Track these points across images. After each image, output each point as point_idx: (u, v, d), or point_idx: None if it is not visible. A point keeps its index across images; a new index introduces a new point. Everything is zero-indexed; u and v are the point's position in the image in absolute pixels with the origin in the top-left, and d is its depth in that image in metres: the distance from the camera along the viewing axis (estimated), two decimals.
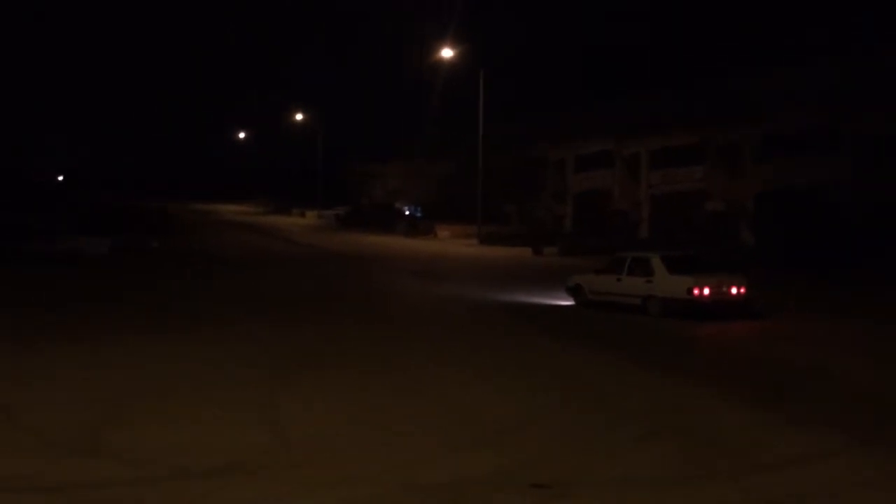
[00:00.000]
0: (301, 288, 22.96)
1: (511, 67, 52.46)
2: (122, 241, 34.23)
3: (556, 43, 59.49)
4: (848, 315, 17.95)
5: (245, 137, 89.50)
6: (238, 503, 6.28)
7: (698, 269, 17.22)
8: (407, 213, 59.92)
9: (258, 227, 55.00)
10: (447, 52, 45.35)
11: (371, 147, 69.97)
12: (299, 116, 73.12)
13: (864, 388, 10.85)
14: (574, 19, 67.58)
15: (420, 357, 12.73)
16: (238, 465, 7.21)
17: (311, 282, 24.66)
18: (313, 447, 7.86)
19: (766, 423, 8.97)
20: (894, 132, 30.10)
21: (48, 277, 24.43)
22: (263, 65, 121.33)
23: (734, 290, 16.61)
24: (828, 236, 28.39)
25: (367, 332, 15.20)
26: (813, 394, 10.45)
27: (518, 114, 51.80)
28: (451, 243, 44.27)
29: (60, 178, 63.77)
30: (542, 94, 54.17)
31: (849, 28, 36.00)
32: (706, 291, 16.18)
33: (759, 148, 36.85)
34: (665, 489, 6.80)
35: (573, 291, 19.21)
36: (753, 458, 7.60)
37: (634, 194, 44.05)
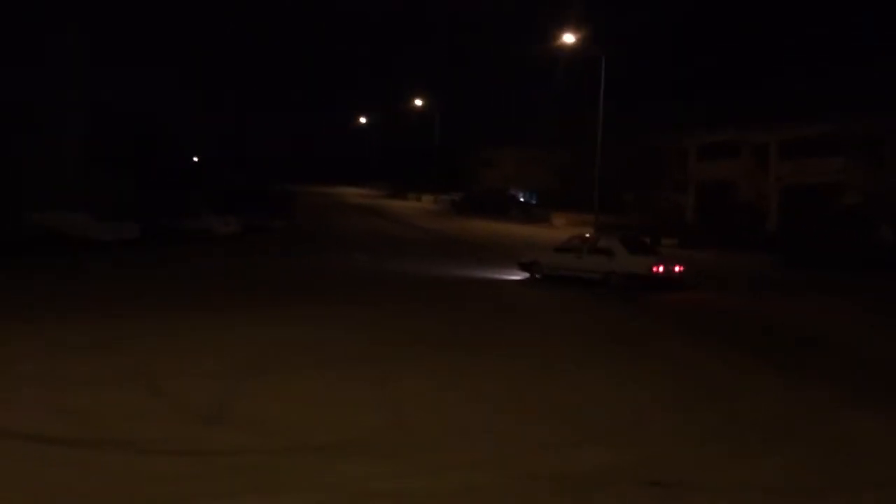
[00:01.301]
0: (417, 270, 23.33)
1: (632, 52, 51.16)
2: (249, 221, 35.91)
3: (680, 27, 57.39)
4: None
5: (366, 122, 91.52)
6: (360, 479, 6.50)
7: (647, 251, 21.53)
8: (522, 199, 59.69)
9: (376, 209, 56.29)
10: (568, 38, 44.60)
11: (487, 133, 70.00)
12: (418, 102, 74.05)
13: None
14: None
15: (539, 343, 12.73)
16: (358, 443, 7.47)
17: (427, 265, 25.03)
18: (432, 429, 8.02)
19: None
20: None
21: (185, 253, 26.01)
22: (385, 50, 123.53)
23: (677, 269, 20.30)
24: None
25: (488, 318, 15.29)
26: None
27: (638, 100, 50.49)
28: (566, 231, 43.77)
29: (196, 159, 67.19)
30: (664, 80, 52.61)
31: None
32: (661, 269, 19.92)
33: None
34: (790, 498, 6.55)
35: (527, 266, 21.92)
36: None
37: (761, 186, 42.13)
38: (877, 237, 32.99)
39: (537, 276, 21.59)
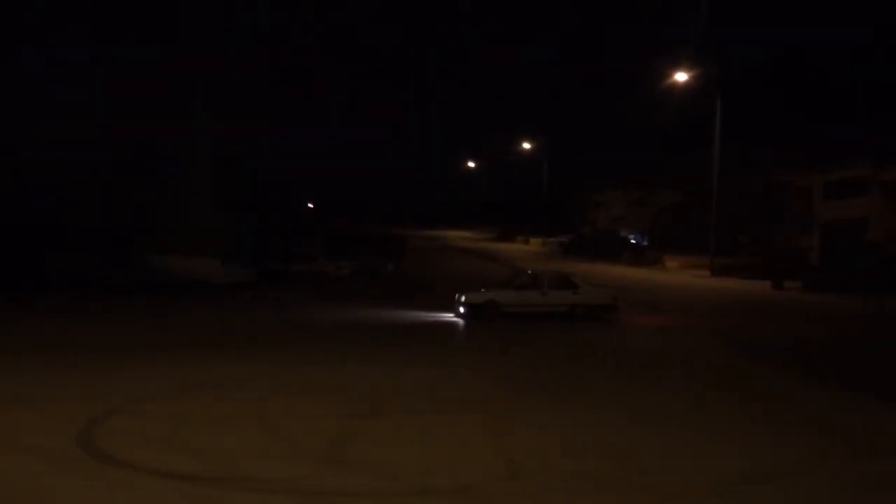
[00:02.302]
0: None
1: (747, 87, 49.64)
2: (361, 265, 36.70)
3: (798, 59, 55.30)
4: None
5: (473, 166, 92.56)
6: None
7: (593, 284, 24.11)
8: (632, 241, 58.45)
9: (484, 252, 56.38)
10: (681, 76, 43.82)
11: (596, 174, 69.34)
12: (526, 145, 74.31)
13: None
14: (822, 29, 62.57)
15: (655, 395, 12.21)
16: (475, 489, 7.31)
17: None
18: (549, 477, 7.76)
19: None
20: None
21: (300, 296, 26.76)
22: (492, 95, 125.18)
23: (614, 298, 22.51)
24: None
25: (608, 368, 14.85)
26: None
27: (754, 137, 48.74)
28: (680, 274, 42.47)
29: (310, 205, 69.67)
30: (782, 116, 50.63)
31: None
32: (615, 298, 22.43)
33: None
34: None
35: (482, 308, 21.28)
36: None
37: (892, 226, 39.60)
38: None
39: (490, 316, 20.99)
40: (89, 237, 29.45)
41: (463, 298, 21.47)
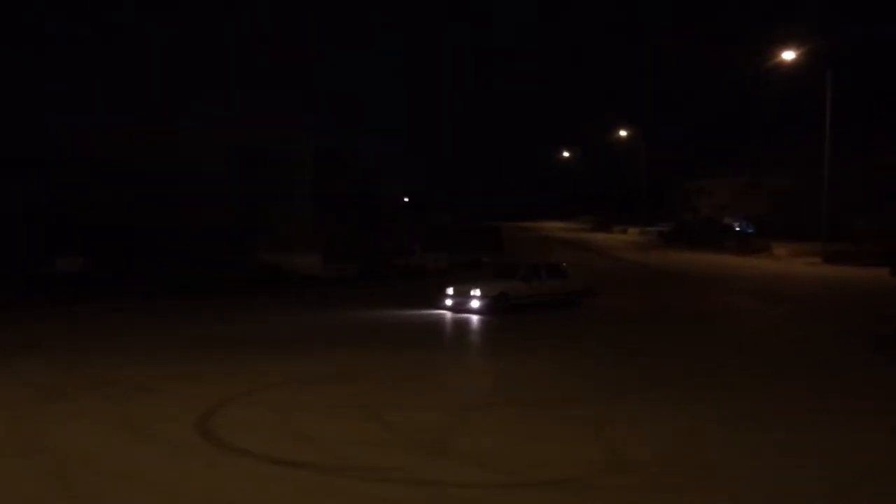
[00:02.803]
0: (631, 306, 22.64)
1: (856, 65, 46.99)
2: (458, 258, 36.91)
3: None
4: None
5: (568, 156, 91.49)
6: None
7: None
8: (737, 228, 56.39)
9: (581, 243, 55.69)
10: (788, 55, 41.88)
11: (697, 160, 67.23)
12: (622, 133, 72.83)
13: None
14: None
15: (773, 385, 11.78)
16: (575, 481, 7.26)
17: (642, 301, 24.24)
18: (662, 470, 7.62)
19: None
20: None
21: (400, 290, 27.19)
22: (589, 85, 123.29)
23: None
24: None
25: (711, 356, 14.45)
26: None
27: (866, 116, 46.11)
28: (789, 262, 40.67)
29: (406, 199, 70.58)
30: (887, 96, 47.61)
31: None
32: None
33: None
34: None
35: (496, 300, 20.25)
36: None
37: None
38: None
39: (503, 309, 19.96)
40: (204, 237, 30.93)
41: (476, 292, 20.28)
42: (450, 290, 20.77)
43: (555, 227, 76.13)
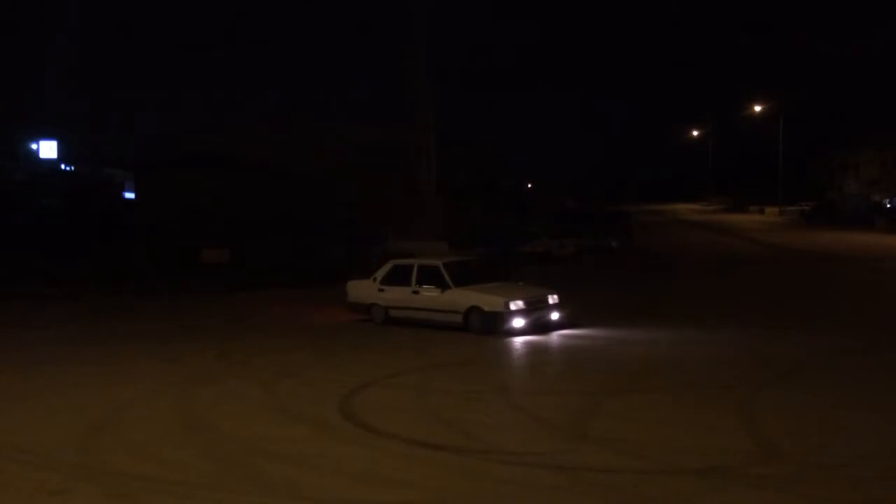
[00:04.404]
0: (772, 291, 21.57)
1: None
2: (585, 243, 36.40)
3: None
4: None
5: (698, 134, 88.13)
6: None
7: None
8: (889, 206, 52.51)
9: (716, 225, 53.62)
10: None
11: (841, 134, 63.07)
12: (757, 108, 69.33)
13: None
14: None
15: None
16: (722, 469, 7.03)
17: (781, 285, 23.07)
18: (801, 463, 7.24)
19: None
20: None
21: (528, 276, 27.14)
22: (721, 58, 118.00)
23: None
24: None
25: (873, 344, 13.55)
26: None
27: None
28: None
29: (530, 185, 70.28)
30: None
31: None
32: None
33: None
34: None
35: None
36: None
37: None
38: None
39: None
40: (338, 229, 32.11)
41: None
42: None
43: (685, 209, 73.74)
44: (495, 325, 14.25)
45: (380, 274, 16.31)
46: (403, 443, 7.99)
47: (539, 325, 14.58)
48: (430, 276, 15.37)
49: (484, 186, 47.13)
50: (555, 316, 15.00)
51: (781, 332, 14.24)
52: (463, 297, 14.71)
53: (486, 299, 14.50)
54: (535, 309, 14.68)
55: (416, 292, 15.47)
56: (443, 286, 15.02)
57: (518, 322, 14.29)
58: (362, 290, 16.55)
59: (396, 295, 15.81)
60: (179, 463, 7.49)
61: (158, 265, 27.97)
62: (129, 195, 50.84)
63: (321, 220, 33.59)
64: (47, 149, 59.27)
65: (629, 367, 11.54)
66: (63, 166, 60.29)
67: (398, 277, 15.92)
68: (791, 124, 65.43)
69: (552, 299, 15.19)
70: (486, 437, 8.14)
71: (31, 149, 59.14)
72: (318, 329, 16.09)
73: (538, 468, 7.16)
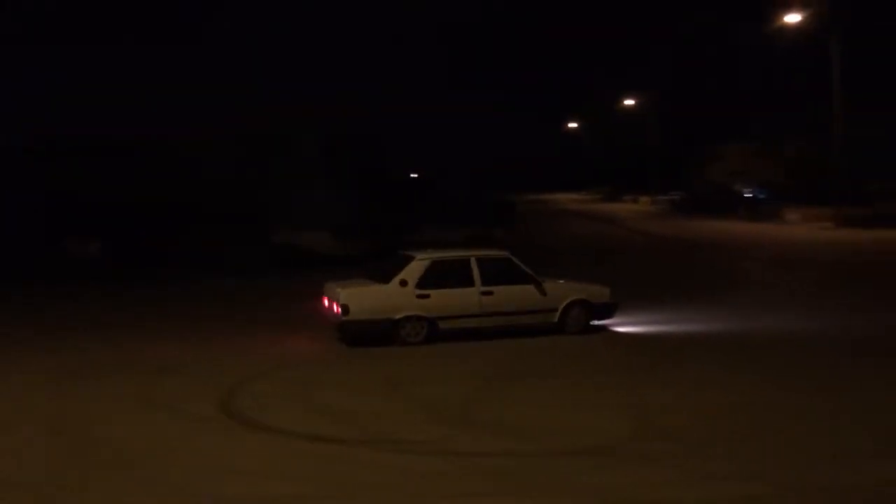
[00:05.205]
0: (656, 277, 22.49)
1: (866, 24, 46.28)
2: (470, 232, 36.86)
3: None
4: None
5: (576, 126, 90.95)
6: (611, 487, 6.37)
7: None
8: (748, 195, 56.10)
9: (594, 214, 55.64)
10: (792, 18, 41.45)
11: (707, 127, 66.74)
12: (629, 102, 72.26)
13: None
14: None
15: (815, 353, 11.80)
16: (604, 448, 7.35)
17: (662, 270, 24.15)
18: (688, 437, 7.69)
19: None
20: None
21: None
22: (596, 51, 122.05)
23: None
24: None
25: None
26: None
27: (881, 76, 45.66)
28: (802, 228, 40.51)
29: (416, 174, 70.44)
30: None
31: None
32: None
33: None
34: None
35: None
36: None
37: None
38: None
39: None
40: (215, 218, 30.98)
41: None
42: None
43: (565, 199, 76.07)
44: (605, 317, 13.25)
45: (411, 276, 12.35)
46: (282, 435, 7.87)
47: None
48: (500, 272, 12.71)
49: (372, 175, 46.81)
50: None
51: (662, 317, 14.95)
52: (562, 291, 12.92)
53: (591, 290, 13.15)
54: None
55: (488, 293, 12.52)
56: (530, 280, 12.74)
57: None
58: (379, 300, 12.21)
59: (454, 300, 12.34)
60: (46, 465, 7.11)
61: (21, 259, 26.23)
62: None
63: (203, 208, 32.28)
64: None
65: (519, 353, 11.80)
66: None
67: (446, 277, 12.46)
68: (664, 117, 68.73)
69: None
70: (370, 427, 8.19)
71: None
72: (199, 323, 15.48)
73: (417, 455, 7.25)
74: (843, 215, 39.27)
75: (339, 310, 11.98)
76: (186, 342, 13.14)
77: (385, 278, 12.53)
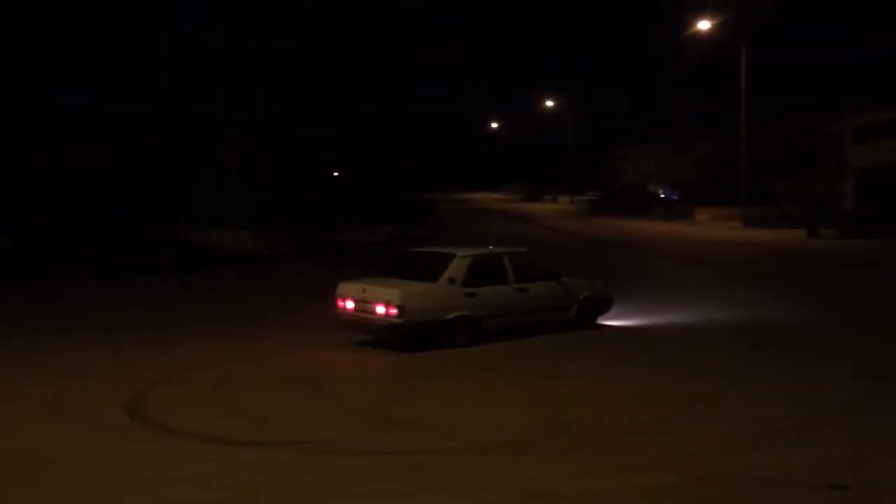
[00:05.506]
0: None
1: (778, 32, 48.58)
2: (391, 231, 36.85)
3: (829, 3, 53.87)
4: None
5: (497, 127, 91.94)
6: (527, 480, 6.46)
7: None
8: (662, 195, 57.93)
9: (515, 213, 56.32)
10: (704, 25, 43.04)
11: (623, 129, 68.67)
12: (550, 103, 73.54)
13: None
14: None
15: (706, 348, 12.25)
16: (519, 444, 7.45)
17: (582, 269, 24.55)
18: (596, 431, 7.88)
19: None
20: None
21: (335, 264, 27.01)
22: (516, 53, 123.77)
23: None
24: None
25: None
26: None
27: (786, 83, 47.87)
28: (712, 227, 42.11)
29: (336, 173, 69.77)
30: (813, 60, 49.53)
31: None
32: None
33: None
34: None
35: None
36: None
37: None
38: None
39: None
40: (124, 216, 29.90)
41: None
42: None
43: (486, 198, 76.81)
44: (605, 312, 13.52)
45: (458, 274, 11.67)
46: (191, 439, 7.65)
47: None
48: (526, 269, 12.53)
49: (291, 173, 46.12)
50: None
51: None
52: (575, 287, 13.01)
53: (596, 286, 13.47)
54: None
55: (523, 290, 12.28)
56: (553, 276, 12.77)
57: None
58: (433, 300, 11.47)
59: (494, 298, 11.91)
60: None
61: None
62: None
63: (115, 206, 31.05)
64: None
65: (437, 353, 11.82)
66: None
67: (486, 275, 11.94)
68: (581, 119, 70.34)
69: None
70: (282, 429, 8.05)
71: None
72: (110, 324, 14.93)
73: (330, 456, 7.16)
74: (751, 215, 40.99)
75: (393, 310, 11.03)
76: (95, 345, 12.64)
77: (423, 276, 11.68)
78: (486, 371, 10.59)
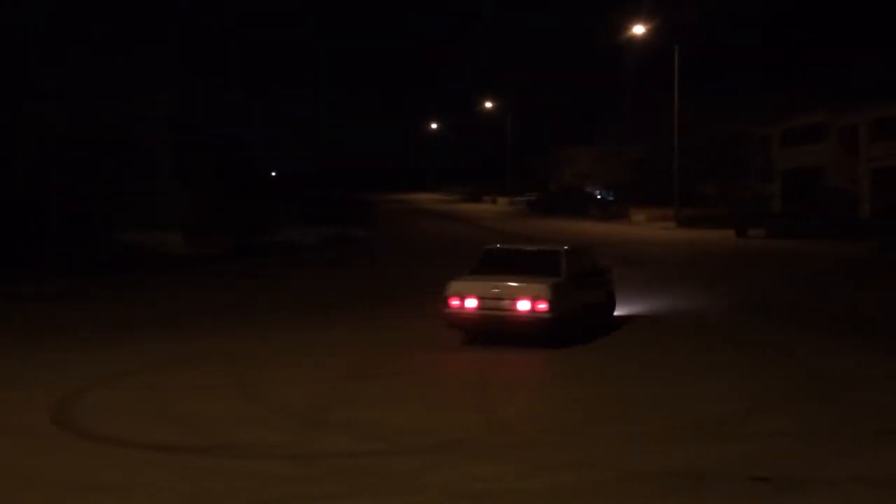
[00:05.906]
0: None
1: (708, 39, 50.01)
2: (329, 232, 36.52)
3: (757, 8, 55.72)
4: None
5: (436, 128, 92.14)
6: (460, 480, 6.48)
7: None
8: (598, 196, 58.97)
9: (453, 214, 56.47)
10: (638, 29, 44.00)
11: (560, 131, 69.68)
12: (488, 104, 74.10)
13: None
14: None
15: (650, 343, 12.50)
16: (455, 444, 7.48)
17: None
18: (529, 430, 7.96)
19: None
20: None
21: (272, 266, 26.61)
22: (451, 54, 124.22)
23: None
24: None
25: None
26: None
27: (715, 88, 49.32)
28: (647, 227, 43.05)
29: (273, 174, 68.87)
30: (742, 66, 51.17)
31: None
32: None
33: None
34: None
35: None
36: None
37: (851, 170, 40.49)
38: None
39: None
40: (49, 217, 28.83)
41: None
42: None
43: (426, 199, 76.85)
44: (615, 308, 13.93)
45: (568, 270, 11.71)
46: (124, 446, 7.42)
47: None
48: (584, 266, 12.74)
49: (226, 174, 45.26)
50: None
51: None
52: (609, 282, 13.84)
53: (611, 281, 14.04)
54: None
55: (596, 284, 13.10)
56: (606, 271, 13.81)
57: None
58: (568, 295, 11.47)
59: (581, 294, 12.26)
60: None
61: None
62: None
63: (43, 208, 29.86)
64: None
65: (374, 353, 11.78)
66: None
67: (576, 271, 12.05)
68: (521, 121, 71.00)
69: None
70: (217, 433, 7.90)
71: None
72: (34, 329, 14.39)
73: (265, 459, 7.06)
74: (683, 216, 42.05)
75: (542, 305, 10.76)
76: (18, 348, 12.20)
77: (539, 272, 11.36)
78: (417, 370, 10.58)
